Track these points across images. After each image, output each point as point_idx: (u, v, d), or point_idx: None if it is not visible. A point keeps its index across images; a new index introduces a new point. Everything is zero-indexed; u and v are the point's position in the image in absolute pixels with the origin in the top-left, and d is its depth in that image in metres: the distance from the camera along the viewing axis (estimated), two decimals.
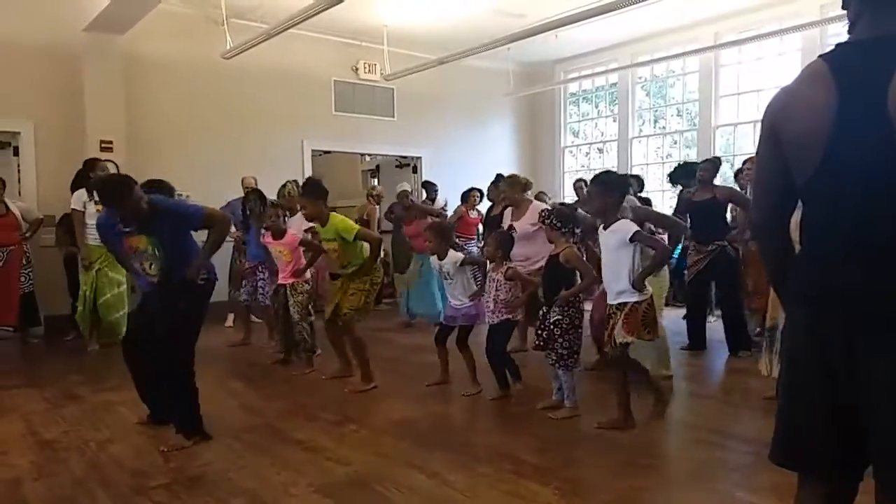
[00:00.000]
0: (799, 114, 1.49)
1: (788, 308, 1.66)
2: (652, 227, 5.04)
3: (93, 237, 6.08)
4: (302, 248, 5.35)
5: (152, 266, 3.59)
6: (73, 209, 6.33)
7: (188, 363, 3.69)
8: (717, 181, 5.83)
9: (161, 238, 3.54)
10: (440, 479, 3.13)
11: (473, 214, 8.49)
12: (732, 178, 7.21)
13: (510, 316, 4.30)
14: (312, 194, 4.80)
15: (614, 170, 9.70)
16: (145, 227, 3.52)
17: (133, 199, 3.43)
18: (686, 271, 6.07)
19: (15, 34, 6.98)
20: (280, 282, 5.46)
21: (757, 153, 1.65)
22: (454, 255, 4.53)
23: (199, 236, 3.77)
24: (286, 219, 5.58)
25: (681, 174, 6.92)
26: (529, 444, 3.57)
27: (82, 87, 7.20)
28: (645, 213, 4.78)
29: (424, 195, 9.45)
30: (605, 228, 3.58)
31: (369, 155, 11.15)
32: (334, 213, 4.83)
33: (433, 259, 4.63)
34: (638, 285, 3.48)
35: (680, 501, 2.94)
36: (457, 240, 8.55)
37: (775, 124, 1.55)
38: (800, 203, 1.60)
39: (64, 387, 4.96)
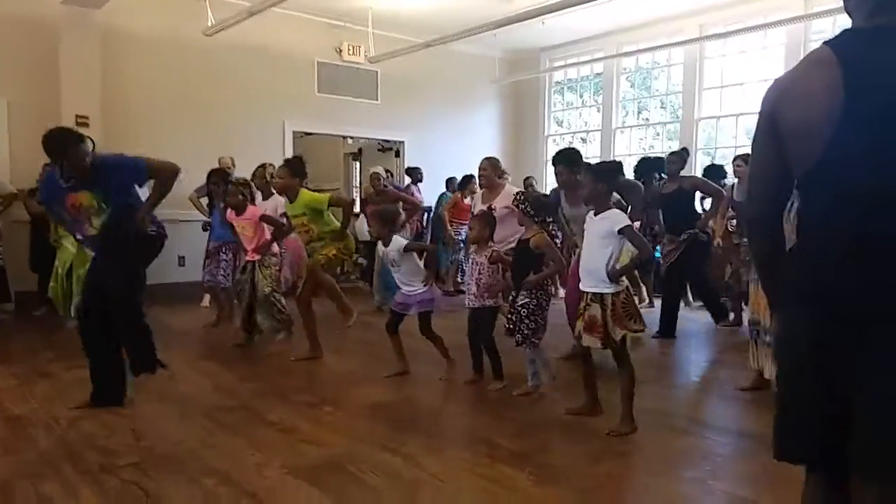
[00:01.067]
0: (801, 102, 1.43)
1: (781, 307, 1.61)
2: None
3: None
4: (265, 225, 5.34)
5: (95, 222, 3.60)
6: None
7: (139, 310, 3.80)
8: (698, 174, 5.97)
9: (107, 192, 3.55)
10: (414, 462, 3.11)
11: (469, 200, 8.51)
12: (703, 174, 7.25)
13: (492, 301, 4.26)
14: (291, 168, 4.95)
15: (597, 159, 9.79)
16: (90, 183, 3.52)
17: (77, 152, 3.46)
18: (661, 261, 6.19)
19: None
20: (247, 259, 5.42)
21: (754, 143, 1.58)
22: (398, 242, 4.42)
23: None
24: (253, 197, 5.55)
25: (644, 168, 7.02)
26: (505, 429, 3.56)
27: (58, 61, 7.04)
28: None
29: (409, 180, 9.42)
30: (595, 215, 3.53)
31: (351, 138, 11.06)
32: (304, 190, 4.96)
33: (379, 245, 4.54)
34: (614, 279, 3.42)
35: (654, 489, 2.95)
36: (450, 224, 8.61)
37: (775, 113, 1.49)
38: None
39: (35, 364, 4.87)
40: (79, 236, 3.82)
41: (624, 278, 3.48)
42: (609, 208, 3.50)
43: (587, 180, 3.56)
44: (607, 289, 3.43)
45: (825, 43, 1.45)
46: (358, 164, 11.72)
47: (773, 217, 1.59)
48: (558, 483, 2.95)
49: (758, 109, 1.55)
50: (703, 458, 3.29)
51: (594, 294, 3.47)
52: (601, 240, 3.45)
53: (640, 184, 5.28)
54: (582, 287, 3.56)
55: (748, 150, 6.95)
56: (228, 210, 5.44)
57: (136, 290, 3.82)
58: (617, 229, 3.40)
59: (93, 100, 7.25)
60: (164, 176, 3.72)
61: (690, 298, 7.08)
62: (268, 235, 5.35)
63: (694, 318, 6.40)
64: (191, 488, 2.81)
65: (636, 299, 6.08)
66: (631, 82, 10.79)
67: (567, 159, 4.63)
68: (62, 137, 3.52)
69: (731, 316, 6.41)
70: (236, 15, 7.11)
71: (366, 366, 4.86)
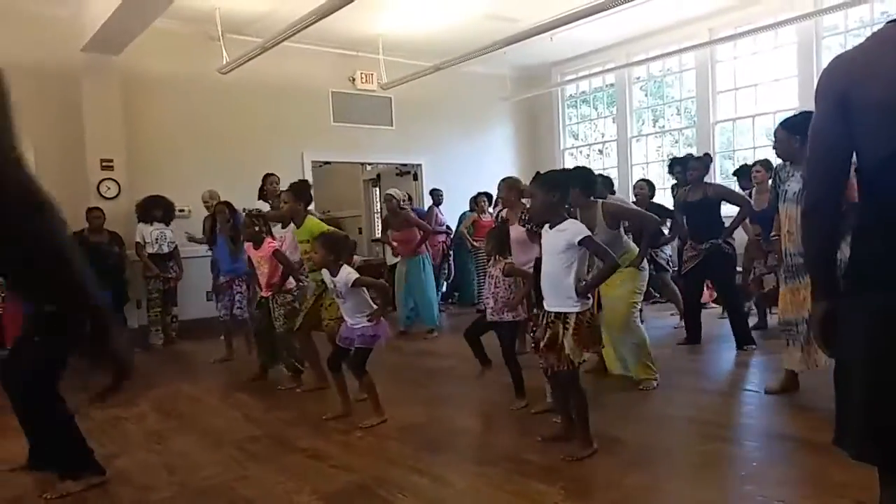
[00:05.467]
0: (885, 80, 1.38)
1: (858, 295, 1.49)
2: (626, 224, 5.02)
3: None
4: (276, 261, 5.20)
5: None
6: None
7: (48, 406, 3.14)
8: (717, 177, 5.87)
9: None
10: (445, 482, 3.11)
11: (486, 218, 8.58)
12: (732, 175, 7.19)
13: (511, 316, 4.20)
14: (295, 192, 5.01)
15: (602, 170, 9.80)
16: None
17: None
18: (681, 266, 6.14)
19: (13, 57, 6.98)
20: (263, 294, 5.36)
21: (816, 126, 1.51)
22: (347, 276, 4.02)
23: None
24: (269, 229, 5.49)
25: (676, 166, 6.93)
26: (534, 445, 3.53)
27: (81, 107, 7.25)
28: (616, 208, 4.68)
29: (430, 202, 9.52)
30: (550, 228, 3.36)
31: (369, 164, 11.19)
32: (311, 217, 5.04)
33: (325, 274, 4.19)
34: (582, 295, 3.25)
35: (688, 497, 2.91)
36: (475, 243, 8.65)
37: (849, 90, 1.42)
38: None
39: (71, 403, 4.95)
40: None
41: (589, 297, 3.32)
42: (565, 219, 3.33)
43: (537, 192, 3.38)
44: (573, 307, 3.24)
45: (893, 21, 1.43)
46: (377, 190, 11.82)
47: (837, 202, 1.53)
48: (591, 496, 2.92)
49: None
50: (737, 463, 3.24)
51: (557, 313, 3.29)
52: (561, 254, 3.26)
53: (654, 217, 5.13)
54: (546, 306, 3.37)
55: (767, 153, 6.76)
56: (247, 244, 5.46)
57: (43, 381, 3.09)
58: (577, 241, 3.21)
59: (116, 143, 7.45)
60: None
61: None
62: (292, 258, 5.32)
63: (719, 322, 6.32)
64: None
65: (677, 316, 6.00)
66: (645, 91, 10.78)
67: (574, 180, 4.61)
68: None
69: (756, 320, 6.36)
70: (250, 51, 7.27)
71: (393, 388, 4.87)
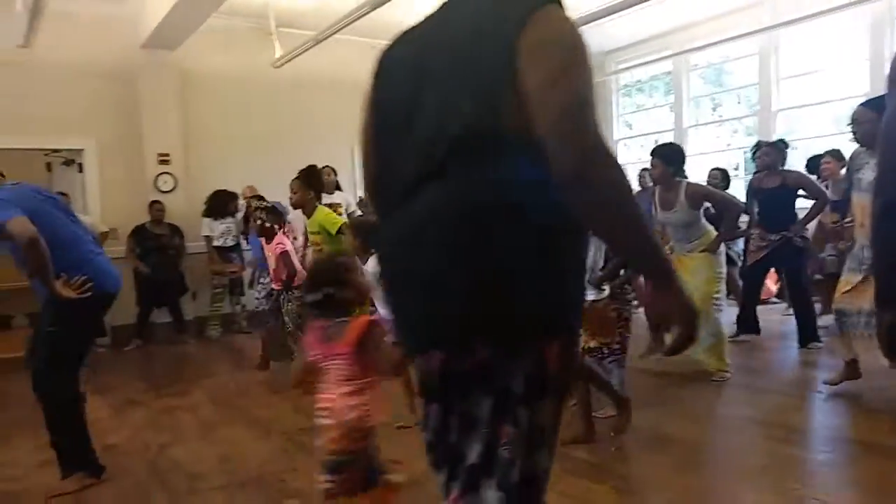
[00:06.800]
0: None
1: None
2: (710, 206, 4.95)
3: None
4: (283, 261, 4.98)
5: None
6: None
7: (58, 391, 3.15)
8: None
9: None
10: None
11: None
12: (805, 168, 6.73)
13: None
14: (304, 181, 4.80)
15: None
16: None
17: None
18: (747, 256, 5.81)
19: (76, 56, 7.23)
20: (274, 287, 5.26)
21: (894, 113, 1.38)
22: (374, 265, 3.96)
23: None
24: (282, 224, 5.33)
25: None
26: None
27: (139, 103, 7.43)
28: (700, 188, 4.70)
29: None
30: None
31: None
32: (321, 207, 4.83)
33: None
34: (596, 284, 3.21)
35: (743, 500, 2.80)
36: None
37: None
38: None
39: (127, 393, 5.10)
40: None
41: (605, 288, 3.27)
42: None
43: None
44: (588, 296, 3.20)
45: None
46: None
47: None
48: (643, 495, 2.85)
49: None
50: (796, 466, 3.11)
51: None
52: None
53: (739, 203, 4.85)
54: None
55: (833, 143, 6.32)
56: (261, 238, 5.32)
57: (54, 367, 3.09)
58: None
59: (173, 137, 7.61)
60: (20, 242, 2.80)
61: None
62: (297, 265, 4.99)
63: (781, 319, 6.08)
64: None
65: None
66: (703, 78, 10.45)
67: (661, 153, 4.51)
68: None
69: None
70: (302, 45, 7.31)
71: None
